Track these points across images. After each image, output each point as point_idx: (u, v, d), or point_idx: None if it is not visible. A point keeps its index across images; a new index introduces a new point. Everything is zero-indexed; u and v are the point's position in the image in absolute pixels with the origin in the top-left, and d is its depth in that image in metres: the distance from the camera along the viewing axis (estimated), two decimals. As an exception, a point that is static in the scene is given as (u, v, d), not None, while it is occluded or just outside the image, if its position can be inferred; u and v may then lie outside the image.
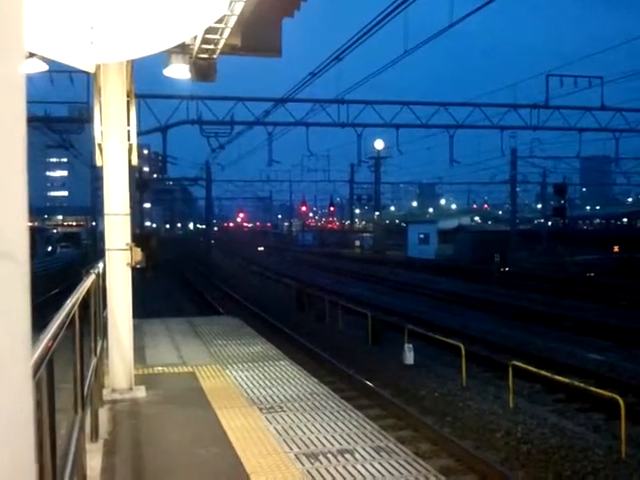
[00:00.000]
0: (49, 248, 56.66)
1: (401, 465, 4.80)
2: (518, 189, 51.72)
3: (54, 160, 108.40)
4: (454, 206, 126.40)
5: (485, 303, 22.12)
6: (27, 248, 0.95)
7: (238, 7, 5.29)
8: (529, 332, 16.52)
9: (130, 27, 4.27)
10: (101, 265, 6.67)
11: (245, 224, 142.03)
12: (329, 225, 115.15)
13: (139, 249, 6.94)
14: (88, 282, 4.72)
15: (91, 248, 45.79)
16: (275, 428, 5.70)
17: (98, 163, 7.02)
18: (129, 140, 6.91)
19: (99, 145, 6.85)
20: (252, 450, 5.10)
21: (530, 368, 10.14)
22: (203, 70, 6.71)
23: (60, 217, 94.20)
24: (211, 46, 6.30)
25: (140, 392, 6.80)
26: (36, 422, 1.78)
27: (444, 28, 16.56)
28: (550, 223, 53.20)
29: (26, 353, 0.99)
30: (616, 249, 39.05)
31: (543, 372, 9.99)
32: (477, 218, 72.16)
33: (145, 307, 15.50)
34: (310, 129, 34.14)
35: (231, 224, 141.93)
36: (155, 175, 77.97)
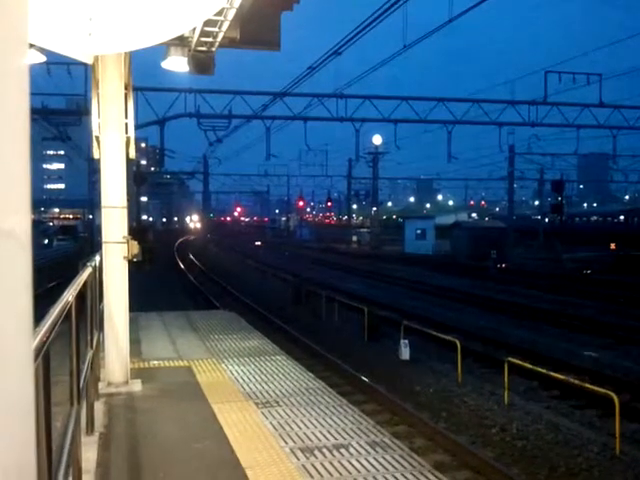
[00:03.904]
0: (46, 241, 56.66)
1: (396, 460, 4.81)
2: (515, 185, 51.80)
3: (51, 152, 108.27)
4: (451, 202, 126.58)
5: (481, 299, 22.15)
6: (29, 229, 0.95)
7: (237, 0, 5.27)
8: (525, 328, 16.55)
9: (129, 19, 4.25)
10: (98, 258, 6.65)
11: (242, 218, 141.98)
12: (326, 220, 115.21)
13: (136, 242, 6.93)
14: (85, 275, 4.71)
15: (88, 241, 45.72)
16: (271, 423, 5.70)
17: (95, 156, 7.00)
18: (127, 133, 6.88)
19: (96, 137, 6.82)
20: (248, 444, 5.10)
21: (526, 365, 10.16)
22: (201, 63, 6.68)
23: (57, 210, 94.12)
24: (210, 39, 6.27)
25: (136, 386, 6.80)
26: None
27: (443, 23, 16.55)
28: (547, 220, 53.27)
29: (28, 334, 0.99)
30: (613, 246, 39.13)
31: (539, 369, 10.01)
32: (474, 215, 72.24)
33: (141, 300, 15.48)
34: (308, 123, 34.09)
35: (228, 218, 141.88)
36: (152, 168, 77.88)
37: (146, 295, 19.66)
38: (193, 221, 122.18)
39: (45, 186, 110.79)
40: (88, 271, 4.99)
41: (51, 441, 2.27)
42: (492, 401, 9.92)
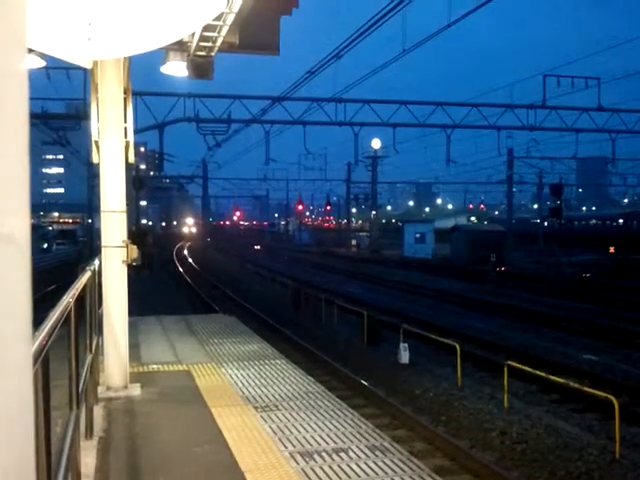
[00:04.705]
0: (45, 245, 56.66)
1: (395, 464, 4.80)
2: (515, 189, 51.83)
3: (50, 157, 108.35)
4: (450, 206, 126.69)
5: (481, 303, 22.14)
6: (28, 234, 0.96)
7: (236, 5, 5.27)
8: (525, 332, 16.55)
9: (128, 23, 4.26)
10: (97, 262, 6.65)
11: (242, 222, 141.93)
12: (326, 224, 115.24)
13: (135, 246, 6.93)
14: (84, 279, 4.71)
15: (87, 245, 45.71)
16: (270, 427, 5.69)
17: (95, 160, 7.00)
18: (126, 137, 6.89)
19: (96, 142, 6.83)
20: (247, 448, 5.10)
21: (525, 368, 10.14)
22: (201, 68, 6.68)
23: (56, 214, 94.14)
24: (209, 43, 6.28)
25: (135, 390, 6.79)
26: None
27: (442, 28, 16.60)
28: (546, 223, 53.24)
29: (27, 337, 0.99)
30: (612, 250, 39.14)
31: (538, 372, 10.00)
32: (473, 218, 72.22)
33: (140, 304, 15.47)
34: (307, 128, 34.16)
35: (227, 222, 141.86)
36: (152, 172, 77.93)
37: (145, 299, 19.64)
38: (188, 225, 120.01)
39: (44, 190, 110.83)
40: (87, 275, 4.99)
41: (50, 445, 2.27)
42: (492, 405, 9.91)
